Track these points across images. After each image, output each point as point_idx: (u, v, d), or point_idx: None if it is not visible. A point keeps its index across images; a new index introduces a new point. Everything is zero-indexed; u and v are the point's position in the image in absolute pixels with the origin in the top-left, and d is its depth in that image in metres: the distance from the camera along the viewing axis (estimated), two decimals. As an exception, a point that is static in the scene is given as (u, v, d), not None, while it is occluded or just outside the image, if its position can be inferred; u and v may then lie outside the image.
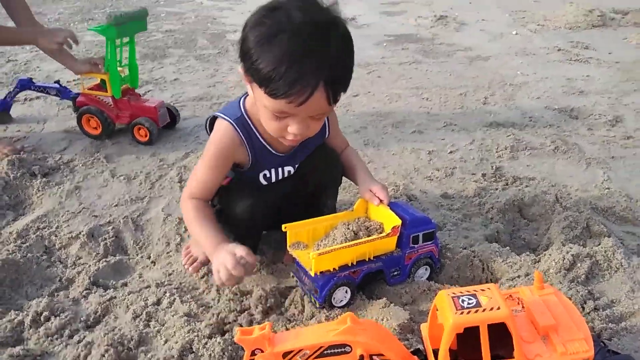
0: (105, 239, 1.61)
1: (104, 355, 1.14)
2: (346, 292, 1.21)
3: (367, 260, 1.23)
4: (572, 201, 1.63)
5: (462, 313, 0.78)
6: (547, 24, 3.98)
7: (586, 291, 1.17)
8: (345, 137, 1.51)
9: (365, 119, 2.43)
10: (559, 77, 2.94)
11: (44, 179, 1.91)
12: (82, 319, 1.30)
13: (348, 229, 1.23)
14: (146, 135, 2.18)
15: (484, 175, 1.95)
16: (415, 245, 1.29)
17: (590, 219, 1.52)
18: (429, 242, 1.31)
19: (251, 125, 1.29)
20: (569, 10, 4.11)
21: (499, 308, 0.78)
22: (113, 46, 2.12)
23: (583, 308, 1.13)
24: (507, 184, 1.89)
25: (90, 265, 1.50)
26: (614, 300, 1.16)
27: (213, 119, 1.32)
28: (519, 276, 1.25)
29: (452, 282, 1.35)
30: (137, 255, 1.57)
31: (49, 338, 1.23)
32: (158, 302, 1.33)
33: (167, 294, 1.35)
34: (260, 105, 1.17)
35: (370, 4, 4.86)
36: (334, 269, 1.18)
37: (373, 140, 2.22)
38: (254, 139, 1.29)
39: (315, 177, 1.38)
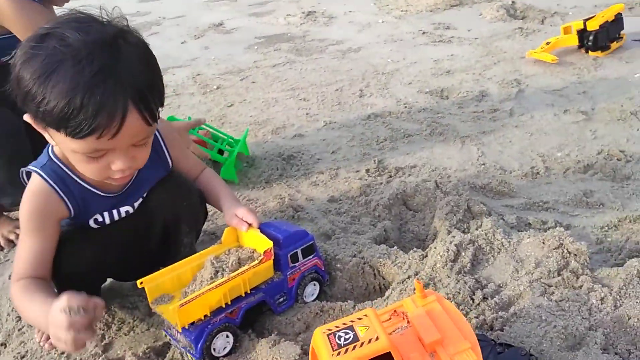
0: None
1: None
2: (227, 336, 1.07)
3: (244, 294, 1.10)
4: (452, 185, 1.63)
5: (339, 354, 0.68)
6: (409, 9, 4.11)
7: (473, 280, 1.14)
8: (198, 161, 1.36)
9: (242, 130, 2.29)
10: (427, 59, 3.02)
11: None
12: None
13: (215, 265, 1.09)
14: None
15: (367, 171, 1.90)
16: (296, 264, 1.19)
17: (470, 200, 1.52)
18: (311, 256, 1.21)
19: (63, 168, 1.09)
20: (427, -7, 4.28)
21: (377, 339, 0.69)
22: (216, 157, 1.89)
23: (472, 300, 1.10)
24: (390, 177, 1.86)
25: None
26: (501, 285, 1.15)
27: (26, 176, 1.10)
28: (409, 277, 1.20)
29: (345, 294, 1.27)
30: (-17, 338, 1.30)
31: None
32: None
33: (18, 384, 1.11)
34: (68, 151, 0.98)
35: (237, 7, 4.71)
36: (205, 315, 1.04)
37: (253, 152, 2.09)
38: (71, 184, 1.09)
39: (163, 213, 1.19)
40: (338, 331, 0.72)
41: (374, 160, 1.96)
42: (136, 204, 1.19)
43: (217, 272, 1.08)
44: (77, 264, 1.11)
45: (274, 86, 2.83)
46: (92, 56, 0.89)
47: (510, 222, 1.44)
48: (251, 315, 1.14)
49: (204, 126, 1.94)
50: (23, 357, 1.22)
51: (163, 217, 1.19)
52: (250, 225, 1.18)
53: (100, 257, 1.14)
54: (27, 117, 0.98)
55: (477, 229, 1.35)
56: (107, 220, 1.16)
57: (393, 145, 2.08)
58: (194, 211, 1.26)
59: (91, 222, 1.15)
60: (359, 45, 3.40)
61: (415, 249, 1.31)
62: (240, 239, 1.22)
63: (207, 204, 1.33)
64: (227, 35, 3.88)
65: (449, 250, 1.21)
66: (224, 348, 1.08)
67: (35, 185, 1.07)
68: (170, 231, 1.22)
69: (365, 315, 0.74)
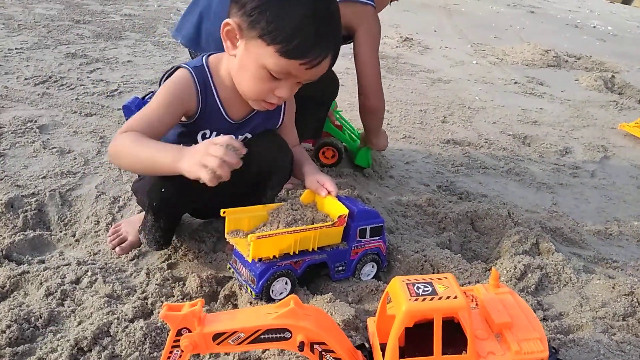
0: (26, 211, 1.44)
1: (4, 332, 0.99)
2: (286, 283, 1.11)
3: (310, 250, 1.14)
4: (523, 218, 1.62)
5: (416, 300, 0.71)
6: (505, 59, 4.13)
7: (536, 301, 1.14)
8: (297, 136, 1.43)
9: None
10: (515, 106, 3.02)
11: (-35, 142, 1.71)
12: (-19, 293, 1.13)
13: (291, 214, 1.14)
14: (333, 157, 1.91)
15: (438, 187, 1.92)
16: (362, 240, 1.22)
17: (540, 237, 1.51)
18: (377, 238, 1.25)
19: (210, 78, 1.19)
20: (526, 48, 4.28)
21: (455, 297, 0.72)
22: (348, 143, 1.99)
23: (532, 317, 1.09)
24: (460, 198, 1.87)
25: (4, 238, 1.33)
26: (563, 313, 1.13)
27: (171, 72, 1.20)
28: (469, 282, 1.21)
29: (400, 285, 1.29)
30: (61, 232, 1.41)
31: (-58, 309, 1.06)
32: (77, 281, 1.19)
33: (89, 273, 1.20)
34: (254, 64, 1.08)
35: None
36: (273, 256, 1.09)
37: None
38: (209, 92, 1.19)
39: (262, 159, 1.25)
40: (417, 283, 0.75)
41: (447, 180, 1.98)
42: (239, 138, 1.26)
43: (292, 220, 1.13)
44: (166, 184, 1.16)
45: (360, 93, 2.90)
46: (325, 3, 1.07)
47: (577, 267, 1.42)
48: (309, 275, 1.18)
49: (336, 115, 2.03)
50: (95, 254, 1.31)
51: (258, 163, 1.26)
52: (329, 193, 1.23)
53: (189, 186, 1.18)
54: (231, 21, 1.06)
55: (546, 260, 1.34)
56: None
57: (468, 172, 2.09)
58: (285, 169, 1.32)
59: (199, 136, 1.22)
60: (449, 77, 3.44)
61: (479, 261, 1.31)
62: (316, 204, 1.27)
63: None
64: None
65: (515, 267, 1.21)
66: (281, 293, 1.12)
67: (183, 74, 1.16)
68: (259, 179, 1.29)
69: (445, 277, 0.76)
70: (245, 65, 1.11)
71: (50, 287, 1.14)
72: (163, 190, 1.16)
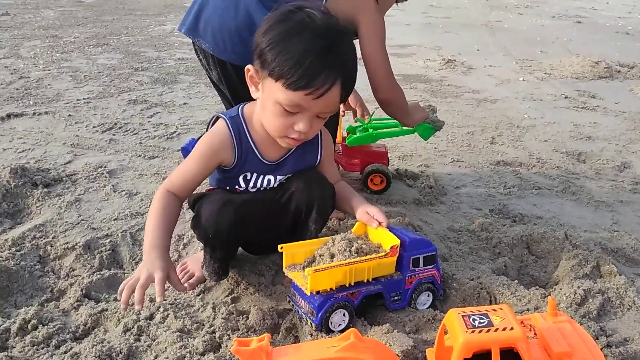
0: (102, 251, 1.57)
1: (89, 367, 1.09)
2: (344, 315, 1.16)
3: (365, 281, 1.18)
4: (582, 239, 1.59)
5: (473, 332, 0.74)
6: (553, 73, 4.05)
7: (598, 327, 1.12)
8: (338, 172, 1.48)
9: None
10: (566, 122, 2.95)
11: (45, 190, 1.89)
12: (70, 329, 1.25)
13: (345, 246, 1.19)
14: (382, 182, 1.96)
15: (491, 211, 1.92)
16: (416, 269, 1.25)
17: (601, 258, 1.47)
18: (430, 266, 1.27)
19: (244, 125, 1.30)
20: (575, 61, 4.18)
21: (512, 328, 0.74)
22: (404, 133, 1.95)
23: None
24: (514, 221, 1.85)
25: (83, 278, 1.46)
26: (628, 339, 1.11)
27: (215, 120, 1.32)
28: (528, 309, 1.20)
29: (457, 313, 1.30)
30: (133, 270, 1.52)
31: (35, 347, 1.18)
32: (151, 317, 1.28)
33: (161, 309, 1.29)
34: (270, 101, 1.18)
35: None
36: (330, 289, 1.14)
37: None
38: (243, 138, 1.29)
39: (303, 195, 1.32)
40: (473, 315, 0.77)
41: (499, 203, 1.97)
42: (279, 178, 1.34)
43: (347, 252, 1.18)
44: (220, 219, 1.25)
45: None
46: (326, 34, 1.14)
47: (643, 289, 1.37)
48: (366, 306, 1.22)
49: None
50: (165, 290, 1.40)
51: (300, 199, 1.32)
52: (380, 224, 1.27)
53: (239, 218, 1.27)
54: (250, 67, 1.21)
55: (607, 284, 1.31)
56: (252, 183, 1.33)
57: (520, 194, 2.07)
58: (326, 203, 1.37)
59: (240, 179, 1.32)
60: (495, 97, 3.42)
61: (537, 287, 1.30)
62: (368, 235, 1.31)
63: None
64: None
65: (575, 293, 1.19)
66: (339, 325, 1.16)
67: (220, 127, 1.29)
68: (302, 214, 1.35)
69: (501, 309, 0.79)
70: (265, 104, 1.21)
71: (127, 324, 1.24)
72: (216, 222, 1.25)
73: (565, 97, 3.43)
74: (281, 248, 1.20)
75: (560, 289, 1.25)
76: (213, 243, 1.29)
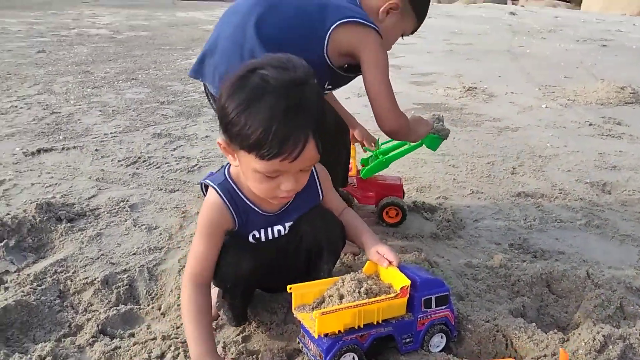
0: (119, 287, 1.60)
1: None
2: (353, 358, 1.14)
3: (375, 323, 1.16)
4: (605, 278, 1.53)
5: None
6: (577, 99, 3.98)
7: (620, 377, 1.07)
8: (342, 201, 1.48)
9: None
10: (591, 151, 2.89)
11: (69, 224, 1.95)
12: (84, 368, 1.26)
13: (355, 286, 1.18)
14: (397, 215, 1.96)
15: (510, 245, 1.87)
16: (428, 310, 1.23)
17: (624, 299, 1.42)
18: (443, 307, 1.24)
19: (235, 187, 1.29)
20: (600, 87, 4.11)
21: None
22: (413, 148, 1.93)
23: (616, 395, 1.02)
24: (535, 257, 1.80)
25: (100, 313, 1.49)
26: (652, 390, 1.05)
27: (206, 187, 1.32)
28: (545, 355, 1.16)
29: (472, 357, 1.26)
30: (148, 305, 1.54)
31: (49, 384, 1.19)
32: (162, 356, 1.29)
33: (172, 348, 1.30)
34: (249, 171, 1.17)
35: (399, 74, 5.00)
36: (339, 331, 1.13)
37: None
38: (239, 202, 1.28)
39: (311, 237, 1.32)
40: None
41: (519, 237, 1.92)
42: (287, 225, 1.34)
43: (356, 292, 1.17)
44: (238, 269, 1.28)
45: (424, 149, 2.92)
46: (286, 93, 1.09)
47: (670, 333, 1.31)
48: (376, 348, 1.20)
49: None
50: (178, 327, 1.42)
51: (309, 242, 1.33)
52: (390, 263, 1.26)
53: (256, 267, 1.30)
54: (220, 140, 1.19)
55: (629, 328, 1.25)
56: (263, 237, 1.33)
57: (542, 227, 2.02)
58: (335, 241, 1.39)
59: (250, 237, 1.32)
60: (517, 125, 3.38)
61: (555, 330, 1.26)
62: (379, 275, 1.30)
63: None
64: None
65: (595, 339, 1.15)
66: (349, 368, 1.14)
67: (212, 199, 1.28)
68: (312, 256, 1.36)
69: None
70: (245, 172, 1.20)
71: (138, 362, 1.25)
72: (235, 273, 1.27)
73: (590, 125, 3.36)
74: (290, 289, 1.20)
75: (580, 334, 1.20)
76: (233, 292, 1.31)
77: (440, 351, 1.25)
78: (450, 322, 1.27)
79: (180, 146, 2.90)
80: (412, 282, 1.21)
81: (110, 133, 3.09)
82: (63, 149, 2.81)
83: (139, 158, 2.68)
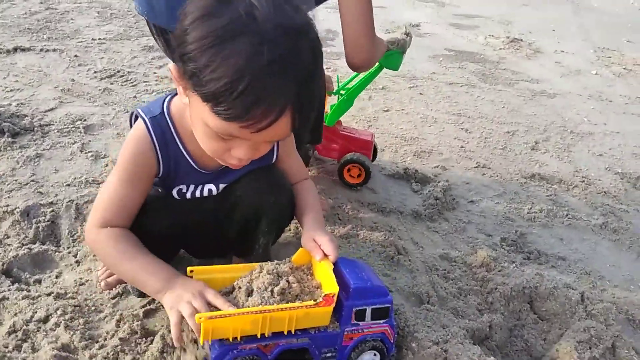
0: (40, 221, 1.40)
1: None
2: (251, 372, 0.91)
3: (286, 333, 0.93)
4: (602, 307, 1.24)
5: None
6: (635, 70, 3.44)
7: None
8: (304, 167, 1.20)
9: (385, 140, 2.10)
10: (634, 134, 2.46)
11: (10, 139, 1.74)
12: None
13: (270, 281, 0.93)
14: (359, 176, 1.70)
15: (502, 240, 1.58)
16: (360, 323, 0.98)
17: (619, 339, 1.14)
18: (382, 321, 0.99)
19: (170, 127, 1.01)
20: (666, 57, 3.54)
21: None
22: (374, 75, 1.65)
23: None
24: (527, 258, 1.51)
25: (11, 250, 1.30)
26: None
27: (136, 117, 1.05)
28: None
29: (407, 383, 1.03)
30: (66, 249, 1.35)
31: None
32: (45, 319, 1.10)
33: (59, 312, 1.11)
34: (198, 119, 0.89)
35: (441, 12, 4.45)
36: (234, 338, 0.89)
37: (384, 168, 1.89)
38: (171, 146, 1.02)
39: (246, 203, 1.07)
40: None
41: (516, 231, 1.62)
42: (221, 186, 1.09)
43: (269, 290, 0.92)
44: (154, 229, 1.05)
45: (440, 105, 2.56)
46: (274, 42, 0.78)
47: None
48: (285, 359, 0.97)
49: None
50: (81, 284, 1.22)
51: (245, 207, 1.08)
52: (326, 256, 1.00)
53: (178, 228, 1.08)
54: (172, 68, 0.88)
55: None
56: (189, 195, 1.08)
57: (547, 222, 1.70)
58: (279, 211, 1.12)
59: (174, 192, 1.08)
60: (555, 90, 2.93)
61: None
62: (313, 267, 1.04)
63: None
64: (418, 38, 3.67)
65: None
66: (245, 382, 0.92)
67: (139, 132, 1.01)
68: (248, 224, 1.10)
69: None
70: (193, 118, 0.91)
71: (16, 324, 1.07)
72: (147, 232, 1.03)
73: (642, 102, 2.89)
74: (191, 272, 0.96)
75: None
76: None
77: (369, 372, 1.02)
78: (388, 339, 1.02)
79: (168, 63, 2.61)
80: (344, 286, 0.96)
81: (99, 39, 2.82)
82: (42, 50, 2.57)
83: (118, 72, 2.41)
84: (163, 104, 1.03)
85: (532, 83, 3.02)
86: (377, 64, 1.54)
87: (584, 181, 1.99)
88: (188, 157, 1.04)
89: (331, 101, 1.72)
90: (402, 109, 2.45)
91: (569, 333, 1.17)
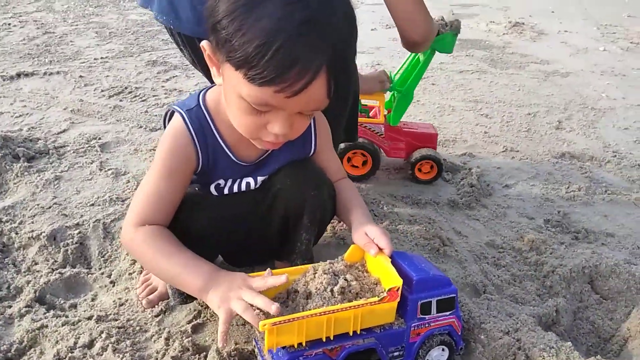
0: (68, 244, 1.35)
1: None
2: (321, 380, 0.85)
3: (351, 334, 0.87)
4: (668, 279, 1.18)
5: None
6: (643, 42, 3.40)
7: None
8: (341, 166, 1.15)
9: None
10: (655, 105, 2.41)
11: (27, 164, 1.69)
12: (3, 348, 1.03)
13: (328, 282, 0.87)
14: (432, 170, 1.65)
15: (547, 222, 1.52)
16: (426, 317, 0.92)
17: (695, 311, 1.07)
18: (448, 313, 0.93)
19: (208, 119, 0.97)
20: (672, 28, 3.50)
21: None
22: (427, 63, 1.56)
23: None
24: (576, 238, 1.45)
25: (42, 276, 1.24)
26: None
27: (171, 115, 1.01)
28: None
29: (482, 378, 0.97)
30: (98, 270, 1.29)
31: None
32: (90, 344, 1.04)
33: (104, 335, 1.04)
34: (233, 94, 0.86)
35: (438, 3, 4.41)
36: (299, 344, 0.84)
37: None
38: (210, 137, 0.98)
39: (287, 197, 1.02)
40: None
41: (558, 212, 1.56)
42: (260, 179, 1.04)
43: (329, 290, 0.87)
44: (193, 225, 0.99)
45: (454, 93, 2.51)
46: (305, 3, 0.77)
47: None
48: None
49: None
50: (122, 304, 1.16)
51: (285, 199, 1.03)
52: (381, 250, 0.94)
53: (217, 225, 1.02)
54: (205, 44, 0.88)
55: None
56: (227, 190, 1.04)
57: (588, 200, 1.64)
58: (321, 205, 1.07)
59: (212, 188, 1.03)
60: (568, 70, 2.88)
61: (595, 353, 0.94)
62: (366, 263, 0.99)
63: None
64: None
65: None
66: (314, 390, 0.86)
67: (176, 126, 0.98)
68: (289, 219, 1.05)
69: None
70: (227, 96, 0.88)
71: (60, 351, 1.01)
72: (184, 231, 0.98)
73: (657, 73, 2.84)
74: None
75: (631, 352, 0.88)
76: None
77: (440, 369, 0.96)
78: (456, 332, 0.96)
79: (174, 76, 2.57)
80: (405, 279, 0.90)
81: (101, 58, 2.77)
82: (45, 73, 2.52)
83: (125, 88, 2.37)
84: (198, 97, 1.00)
85: (542, 64, 2.97)
86: (429, 49, 1.48)
87: (615, 156, 1.94)
88: (226, 149, 1.00)
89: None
90: (418, 100, 2.40)
91: (637, 310, 1.10)
